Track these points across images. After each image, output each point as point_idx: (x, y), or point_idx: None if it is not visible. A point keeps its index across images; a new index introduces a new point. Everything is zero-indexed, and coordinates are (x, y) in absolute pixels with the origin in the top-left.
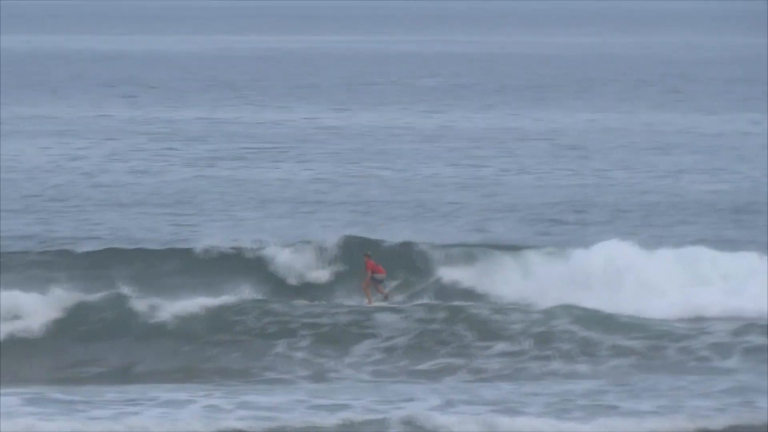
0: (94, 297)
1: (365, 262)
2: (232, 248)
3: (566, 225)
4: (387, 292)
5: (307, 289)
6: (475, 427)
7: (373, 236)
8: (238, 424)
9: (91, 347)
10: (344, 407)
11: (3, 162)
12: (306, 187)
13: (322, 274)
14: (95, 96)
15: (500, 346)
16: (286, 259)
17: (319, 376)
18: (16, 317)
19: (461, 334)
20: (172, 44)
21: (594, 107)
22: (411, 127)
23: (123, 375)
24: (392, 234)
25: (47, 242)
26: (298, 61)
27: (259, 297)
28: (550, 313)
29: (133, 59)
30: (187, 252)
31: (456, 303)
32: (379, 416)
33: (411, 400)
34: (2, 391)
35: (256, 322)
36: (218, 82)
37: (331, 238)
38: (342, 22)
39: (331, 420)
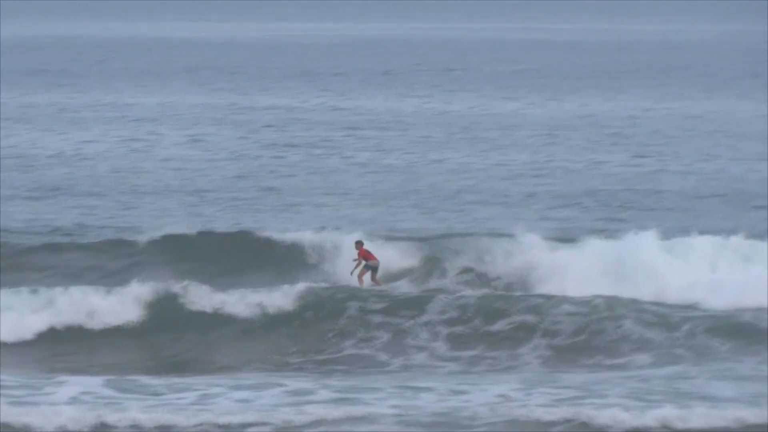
0: (174, 285)
1: (357, 249)
2: (304, 234)
3: (640, 211)
4: (381, 282)
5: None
6: (561, 415)
7: (439, 224)
8: (323, 410)
9: (172, 336)
10: (428, 390)
11: (81, 148)
12: (383, 172)
13: (394, 261)
14: (175, 82)
15: (568, 308)
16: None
17: (396, 345)
18: (96, 308)
19: (529, 298)
20: (250, 32)
21: (673, 95)
22: (490, 114)
23: (202, 363)
24: (463, 221)
25: (124, 229)
26: (376, 49)
27: (331, 281)
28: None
29: (211, 47)
30: (261, 237)
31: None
32: (465, 402)
33: (494, 383)
34: (86, 376)
35: (330, 301)
36: (297, 70)
37: (395, 226)
38: (420, 10)
39: (417, 403)
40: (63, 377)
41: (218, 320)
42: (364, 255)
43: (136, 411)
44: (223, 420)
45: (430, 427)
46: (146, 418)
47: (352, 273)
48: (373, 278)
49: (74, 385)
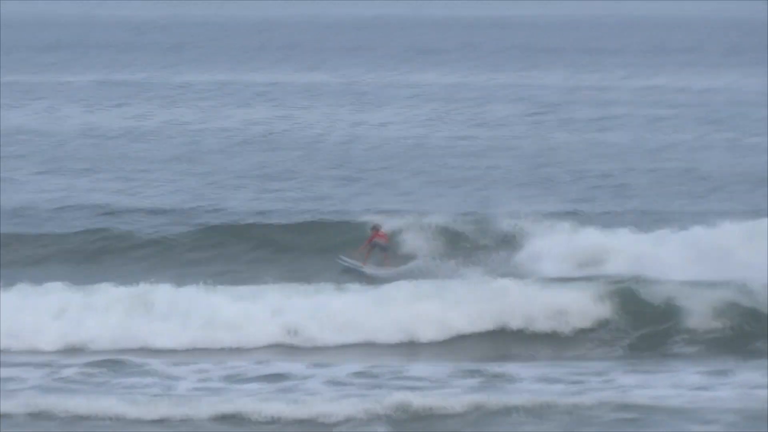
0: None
1: (371, 234)
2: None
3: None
4: (389, 262)
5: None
6: None
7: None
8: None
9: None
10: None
11: (369, 127)
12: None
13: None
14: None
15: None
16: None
17: None
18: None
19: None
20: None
21: None
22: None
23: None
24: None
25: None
26: (593, 27)
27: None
28: None
29: (489, 26)
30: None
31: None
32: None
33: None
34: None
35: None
36: (590, 47)
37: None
38: None
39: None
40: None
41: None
42: (375, 236)
43: None
44: None
45: None
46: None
47: (364, 261)
48: (384, 257)
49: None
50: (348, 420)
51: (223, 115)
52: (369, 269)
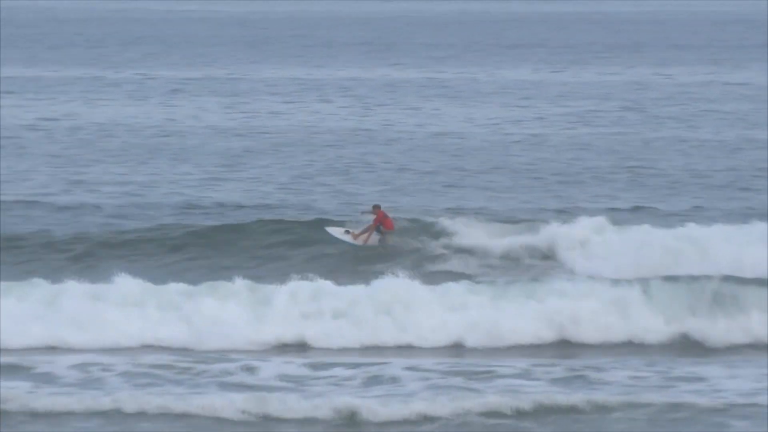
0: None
1: (375, 213)
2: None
3: None
4: (387, 243)
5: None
6: None
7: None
8: None
9: None
10: None
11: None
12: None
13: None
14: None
15: None
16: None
17: None
18: None
19: None
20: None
21: None
22: None
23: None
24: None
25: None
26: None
27: None
28: None
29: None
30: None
31: None
32: None
33: None
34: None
35: None
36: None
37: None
38: None
39: None
40: None
41: None
42: (380, 219)
43: None
44: None
45: None
46: None
47: (360, 238)
48: (384, 239)
49: None
50: (441, 419)
51: (305, 111)
52: (349, 238)
